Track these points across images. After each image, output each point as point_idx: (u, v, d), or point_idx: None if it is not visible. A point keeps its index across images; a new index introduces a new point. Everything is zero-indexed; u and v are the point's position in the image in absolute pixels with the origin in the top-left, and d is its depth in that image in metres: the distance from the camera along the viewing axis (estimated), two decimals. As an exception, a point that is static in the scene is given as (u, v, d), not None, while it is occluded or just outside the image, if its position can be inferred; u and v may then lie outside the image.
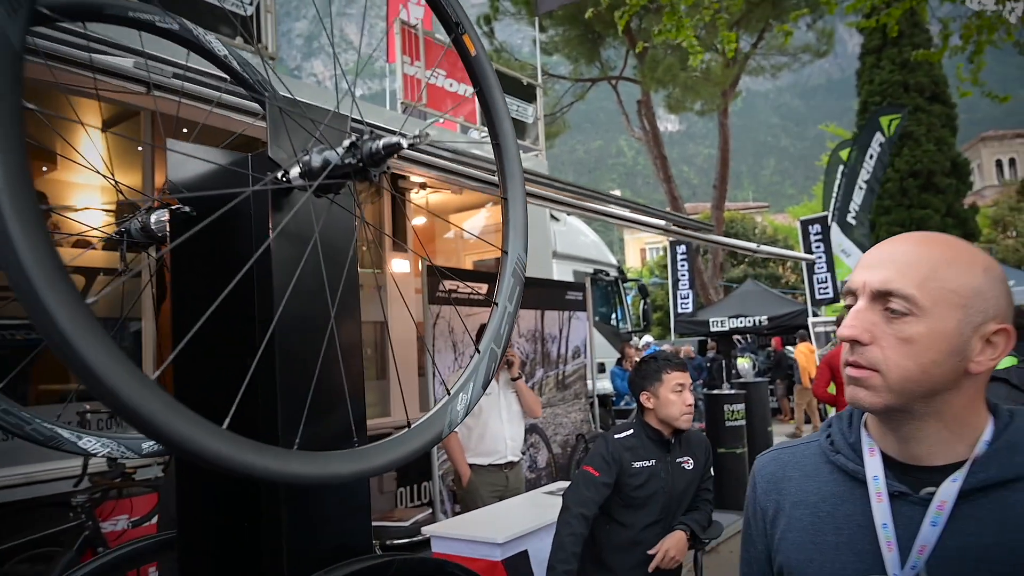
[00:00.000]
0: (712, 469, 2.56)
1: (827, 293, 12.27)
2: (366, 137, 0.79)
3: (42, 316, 0.51)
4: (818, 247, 12.22)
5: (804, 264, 12.45)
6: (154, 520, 3.08)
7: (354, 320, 1.03)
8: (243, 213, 0.93)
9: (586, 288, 6.21)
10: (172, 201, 0.98)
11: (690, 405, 2.35)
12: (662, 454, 2.38)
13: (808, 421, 10.80)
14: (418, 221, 7.07)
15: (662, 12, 6.88)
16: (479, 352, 0.98)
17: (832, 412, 7.00)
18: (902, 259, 0.85)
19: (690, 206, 28.33)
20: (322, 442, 0.91)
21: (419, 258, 5.63)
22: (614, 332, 9.56)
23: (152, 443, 1.10)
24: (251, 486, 0.90)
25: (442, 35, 7.15)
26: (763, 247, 6.08)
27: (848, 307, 0.91)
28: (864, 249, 13.60)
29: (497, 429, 3.70)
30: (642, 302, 10.44)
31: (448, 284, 4.75)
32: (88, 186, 4.41)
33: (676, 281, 14.84)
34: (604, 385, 8.55)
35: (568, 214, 7.41)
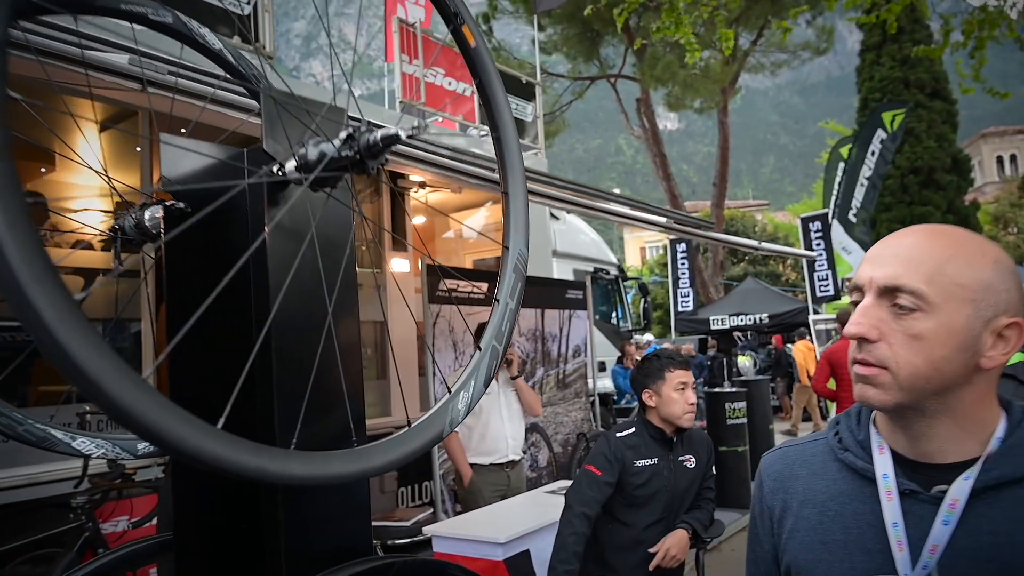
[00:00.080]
0: (714, 468, 2.55)
1: (828, 290, 12.26)
2: (363, 129, 0.78)
3: (28, 312, 0.49)
4: (819, 244, 12.22)
5: (805, 261, 12.44)
6: (154, 521, 3.07)
7: (353, 317, 1.02)
8: (239, 208, 0.91)
9: (586, 287, 6.20)
10: (167, 197, 0.97)
11: (692, 404, 2.33)
12: (664, 452, 2.36)
13: (808, 419, 10.79)
14: (418, 220, 7.05)
15: (661, 9, 6.86)
16: (480, 349, 0.96)
17: (833, 408, 7.01)
18: (909, 253, 0.83)
19: (690, 204, 28.30)
20: (320, 442, 0.89)
21: (419, 257, 5.61)
22: (614, 331, 9.54)
23: (147, 444, 1.08)
24: (249, 486, 0.88)
25: (440, 33, 7.13)
26: (764, 244, 6.07)
27: (854, 303, 0.89)
28: (865, 247, 13.60)
29: (498, 428, 3.68)
30: (642, 300, 10.42)
31: (448, 283, 4.73)
32: (87, 186, 4.40)
33: (676, 279, 14.83)
34: (605, 384, 8.53)
35: (568, 212, 7.40)
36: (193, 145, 0.95)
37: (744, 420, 6.19)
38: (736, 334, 13.17)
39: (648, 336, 11.77)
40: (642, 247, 41.67)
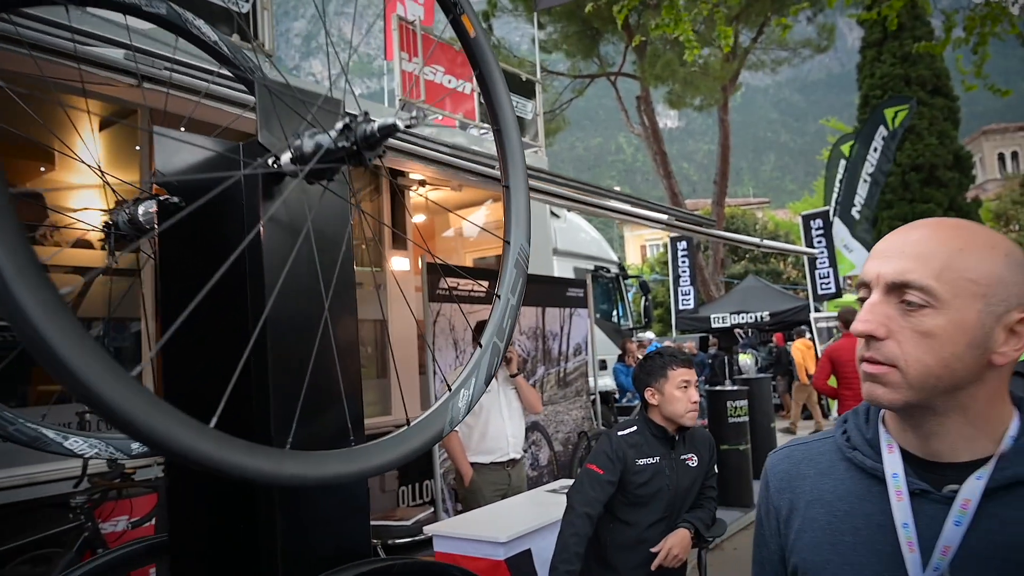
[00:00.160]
0: (716, 466, 2.53)
1: (829, 288, 12.25)
2: (360, 119, 0.76)
3: (12, 307, 0.47)
4: (820, 242, 12.20)
5: (806, 259, 12.43)
6: (154, 521, 3.06)
7: (351, 314, 1.00)
8: (234, 202, 0.89)
9: (587, 285, 6.18)
10: (162, 192, 0.95)
11: (695, 402, 2.32)
12: (666, 451, 2.34)
13: (809, 417, 10.77)
14: (418, 219, 7.03)
15: (660, 7, 6.83)
16: (481, 346, 0.94)
17: (834, 406, 6.98)
18: (917, 248, 0.81)
19: (690, 202, 28.27)
20: (317, 441, 0.87)
21: (419, 256, 5.60)
22: (615, 329, 9.52)
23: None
24: (246, 487, 0.86)
25: (440, 32, 7.10)
26: (766, 242, 6.06)
27: (861, 300, 0.87)
28: (867, 244, 13.58)
29: (498, 426, 3.67)
30: (643, 299, 10.40)
31: (449, 281, 4.71)
32: (87, 185, 4.39)
33: (677, 277, 14.81)
34: (605, 382, 8.52)
35: (569, 210, 7.38)
36: (188, 138, 0.93)
37: (746, 418, 6.17)
38: (737, 331, 13.15)
39: (649, 334, 11.75)
40: (642, 245, 41.65)
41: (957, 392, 0.80)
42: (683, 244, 14.64)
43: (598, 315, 8.18)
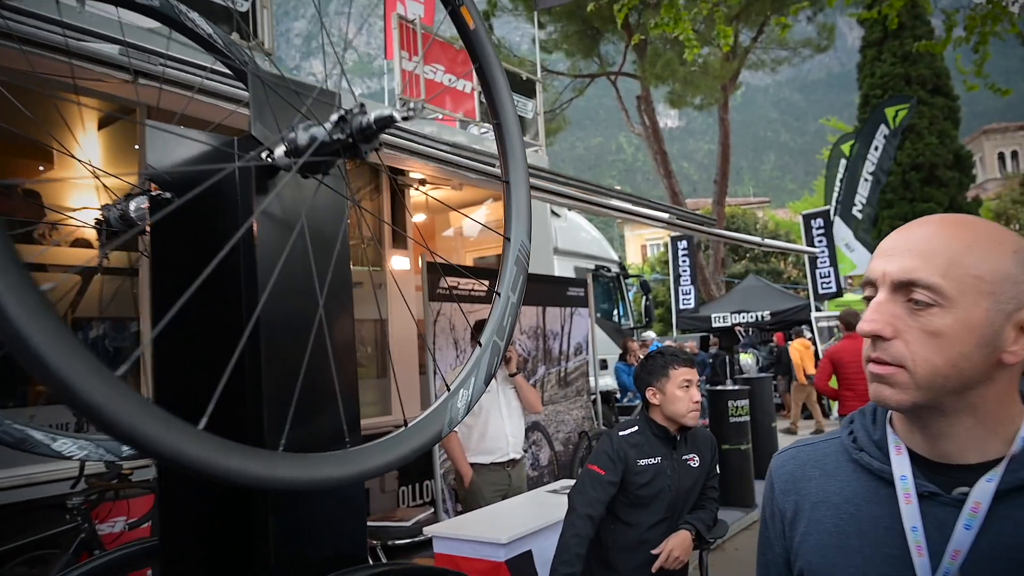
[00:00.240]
0: (718, 467, 2.51)
1: (830, 287, 12.24)
2: (356, 111, 0.74)
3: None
4: (820, 241, 12.19)
5: (807, 258, 12.42)
6: (152, 522, 3.04)
7: (347, 311, 0.97)
8: (228, 199, 0.87)
9: (588, 284, 6.17)
10: (153, 188, 0.93)
11: (697, 402, 2.29)
12: (668, 451, 2.32)
13: (810, 416, 10.76)
14: (418, 218, 7.02)
15: (660, 6, 6.81)
16: (480, 345, 0.92)
17: (835, 406, 6.97)
18: (924, 245, 0.79)
19: (691, 202, 28.23)
20: (312, 443, 0.85)
21: (419, 255, 5.58)
22: (616, 328, 9.50)
23: (132, 445, 1.04)
24: (239, 488, 0.84)
25: (441, 32, 7.08)
26: (768, 240, 6.04)
27: (867, 299, 0.85)
28: (867, 244, 13.56)
29: (498, 426, 3.64)
30: (644, 298, 10.38)
31: (449, 280, 4.70)
32: (87, 184, 4.37)
33: (677, 277, 14.80)
34: (606, 382, 8.50)
35: (571, 209, 7.36)
36: (181, 132, 0.91)
37: (747, 418, 6.15)
38: (738, 329, 13.14)
39: (650, 334, 11.73)
40: (643, 245, 41.62)
41: (966, 392, 0.78)
42: (683, 243, 14.63)
43: (599, 314, 8.16)
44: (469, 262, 7.54)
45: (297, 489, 0.72)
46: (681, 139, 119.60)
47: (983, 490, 0.77)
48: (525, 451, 4.00)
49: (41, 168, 4.47)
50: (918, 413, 0.81)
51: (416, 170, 5.04)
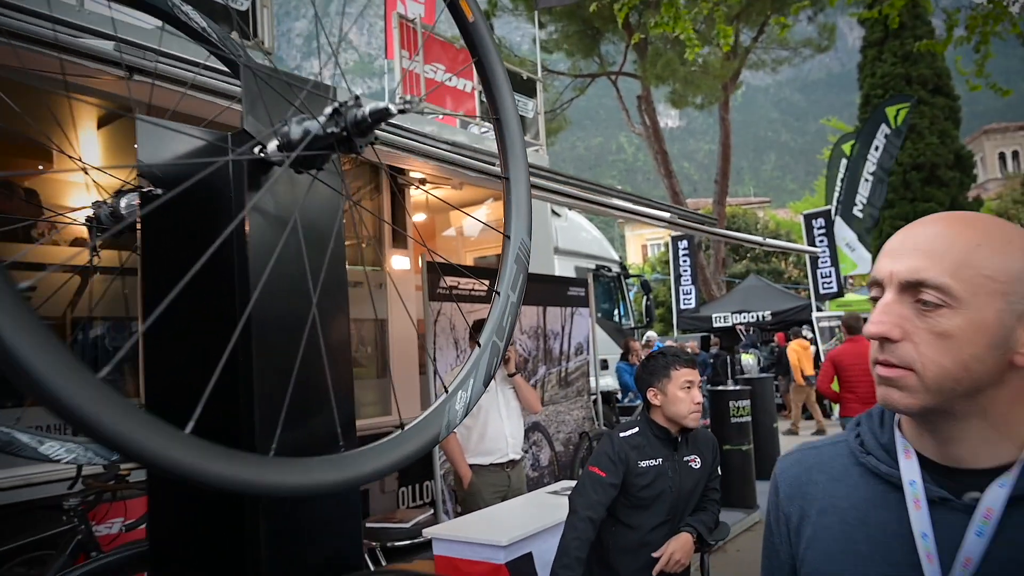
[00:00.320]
0: (719, 468, 2.49)
1: (831, 287, 12.21)
2: (350, 103, 0.71)
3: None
4: (822, 241, 12.17)
5: (808, 258, 12.40)
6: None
7: (342, 311, 0.95)
8: (222, 196, 0.85)
9: (588, 284, 6.15)
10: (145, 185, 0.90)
11: (699, 403, 2.27)
12: (669, 453, 2.30)
13: (810, 417, 10.74)
14: (418, 218, 7.00)
15: (661, 5, 6.80)
16: (479, 346, 0.90)
17: (837, 408, 6.96)
18: (931, 244, 0.76)
19: (691, 202, 28.19)
20: (305, 446, 0.83)
21: (419, 255, 5.56)
22: (617, 328, 9.48)
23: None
24: (229, 494, 0.82)
25: (441, 31, 7.07)
26: (769, 240, 6.02)
27: (873, 300, 0.82)
28: (867, 244, 13.53)
29: (497, 427, 3.62)
30: (644, 298, 10.35)
31: (449, 280, 4.68)
32: (87, 184, 4.34)
33: (678, 277, 14.78)
34: (607, 382, 8.48)
35: (572, 208, 7.34)
36: (173, 126, 0.89)
37: (748, 418, 6.13)
38: (739, 327, 13.11)
39: (651, 333, 11.71)
40: (643, 244, 41.58)
41: (977, 395, 0.76)
42: (684, 243, 14.61)
43: (599, 314, 8.14)
44: (469, 262, 7.52)
45: (287, 495, 0.70)
46: (682, 139, 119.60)
47: (995, 495, 0.74)
48: (525, 452, 3.98)
49: (41, 167, 4.45)
50: (927, 417, 0.79)
51: (416, 169, 5.02)
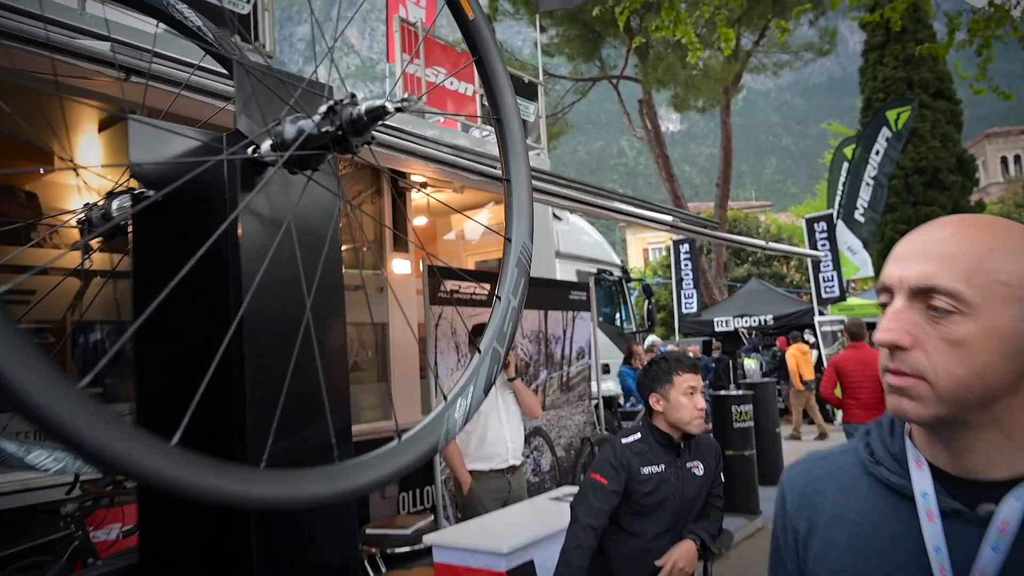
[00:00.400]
0: (722, 475, 2.46)
1: (833, 291, 12.18)
2: (345, 101, 0.69)
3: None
4: (824, 245, 12.14)
5: (810, 262, 12.37)
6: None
7: (338, 316, 0.93)
8: (217, 198, 0.83)
9: (590, 288, 6.12)
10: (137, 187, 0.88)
11: (702, 409, 2.24)
12: (672, 459, 2.27)
13: (811, 422, 10.70)
14: (419, 221, 6.98)
15: (662, 9, 6.80)
16: (479, 351, 0.87)
17: (840, 414, 6.92)
18: (943, 248, 0.74)
19: (693, 205, 28.18)
20: (297, 457, 0.80)
21: (419, 258, 5.55)
22: (618, 333, 9.46)
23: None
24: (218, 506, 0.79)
25: (443, 35, 7.07)
26: (772, 244, 6.00)
27: (883, 306, 0.80)
28: (870, 247, 13.51)
29: (497, 432, 3.58)
30: (646, 302, 10.32)
31: (450, 284, 4.66)
32: (89, 187, 4.33)
33: (680, 281, 14.76)
34: (608, 387, 8.45)
35: (574, 212, 7.33)
36: (165, 126, 0.87)
37: (751, 423, 6.10)
38: (742, 330, 13.08)
39: (652, 338, 11.68)
40: (645, 248, 41.56)
41: (991, 404, 0.73)
42: (686, 247, 14.59)
43: (601, 319, 8.12)
44: (471, 266, 7.51)
45: (278, 509, 0.68)
46: (683, 143, 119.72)
47: (1011, 508, 0.72)
48: (526, 457, 3.95)
49: (42, 171, 4.44)
50: (939, 427, 0.76)
51: (417, 172, 5.01)
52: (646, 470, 2.22)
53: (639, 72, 18.49)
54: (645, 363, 2.63)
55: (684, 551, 2.21)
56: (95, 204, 0.93)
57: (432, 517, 4.07)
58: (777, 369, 11.68)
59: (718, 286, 18.81)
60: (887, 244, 17.84)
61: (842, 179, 13.98)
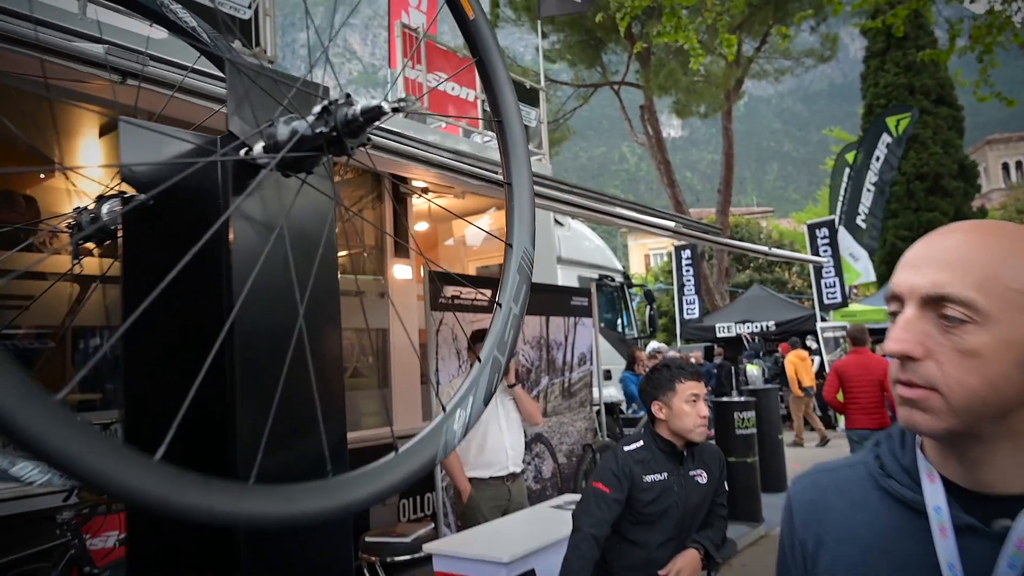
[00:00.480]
0: (726, 483, 2.42)
1: (835, 297, 12.15)
2: (340, 101, 0.67)
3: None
4: (825, 251, 12.12)
5: (812, 268, 12.34)
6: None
7: (332, 323, 0.90)
8: (211, 202, 0.80)
9: (591, 294, 6.10)
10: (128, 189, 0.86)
11: (705, 416, 2.21)
12: (675, 467, 2.24)
13: (812, 428, 10.65)
14: (420, 227, 6.97)
15: (663, 14, 6.80)
16: (479, 360, 0.85)
17: (842, 420, 6.88)
18: (955, 256, 0.71)
19: (694, 211, 28.17)
20: (289, 471, 0.78)
21: (420, 264, 5.53)
22: (620, 339, 9.42)
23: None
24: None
25: (444, 40, 7.07)
26: (774, 250, 5.98)
27: (892, 315, 0.78)
28: (872, 253, 13.49)
29: (497, 439, 3.55)
30: (648, 308, 10.29)
31: (451, 290, 4.63)
32: (86, 193, 4.32)
33: (681, 286, 14.74)
34: (610, 393, 8.41)
35: (576, 217, 7.31)
36: (157, 128, 0.85)
37: (753, 430, 6.06)
38: (745, 336, 13.03)
39: (662, 344, 11.65)
40: (646, 254, 41.53)
41: (1006, 416, 0.71)
42: (687, 253, 14.57)
43: (602, 324, 8.09)
44: (472, 271, 7.48)
45: (268, 527, 0.65)
46: (684, 149, 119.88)
47: (1028, 524, 0.69)
48: (528, 463, 3.91)
49: (42, 176, 4.43)
50: (953, 439, 0.74)
51: (418, 178, 5.00)
52: (648, 478, 2.19)
53: (640, 78, 18.51)
54: (649, 369, 2.60)
55: (688, 561, 2.17)
56: (85, 208, 0.91)
57: (432, 525, 4.04)
58: (779, 375, 11.64)
59: (720, 292, 18.77)
60: (889, 250, 17.82)
61: (844, 185, 13.97)
